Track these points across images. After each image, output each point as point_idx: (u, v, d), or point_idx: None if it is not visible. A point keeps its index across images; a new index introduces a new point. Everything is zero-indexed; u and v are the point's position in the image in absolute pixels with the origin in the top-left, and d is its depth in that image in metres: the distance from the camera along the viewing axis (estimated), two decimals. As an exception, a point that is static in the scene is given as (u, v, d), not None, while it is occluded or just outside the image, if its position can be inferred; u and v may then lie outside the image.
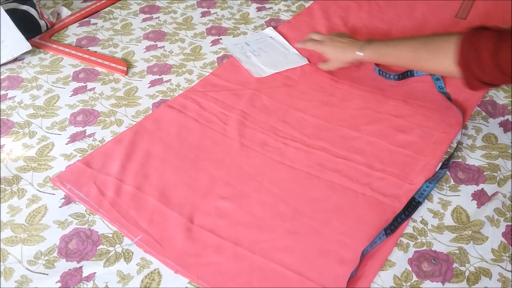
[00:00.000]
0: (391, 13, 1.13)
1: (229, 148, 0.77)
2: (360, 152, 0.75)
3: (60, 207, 0.68)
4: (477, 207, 0.66)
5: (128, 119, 0.84)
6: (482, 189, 0.69)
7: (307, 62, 0.95)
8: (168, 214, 0.67)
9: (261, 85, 0.91)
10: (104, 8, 1.21)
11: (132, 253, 0.62)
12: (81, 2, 1.25)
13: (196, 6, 1.21)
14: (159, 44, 1.06)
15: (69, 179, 0.72)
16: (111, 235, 0.64)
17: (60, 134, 0.82)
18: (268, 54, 0.99)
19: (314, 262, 0.60)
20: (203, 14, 1.18)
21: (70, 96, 0.90)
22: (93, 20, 1.16)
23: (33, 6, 1.08)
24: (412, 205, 0.65)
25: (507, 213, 0.65)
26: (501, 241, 0.62)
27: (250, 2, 1.22)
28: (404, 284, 0.57)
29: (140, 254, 0.62)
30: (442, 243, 0.62)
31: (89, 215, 0.67)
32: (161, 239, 0.63)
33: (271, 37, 1.05)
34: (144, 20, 1.16)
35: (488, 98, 0.86)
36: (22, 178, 0.73)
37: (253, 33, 1.08)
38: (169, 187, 0.71)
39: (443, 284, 0.57)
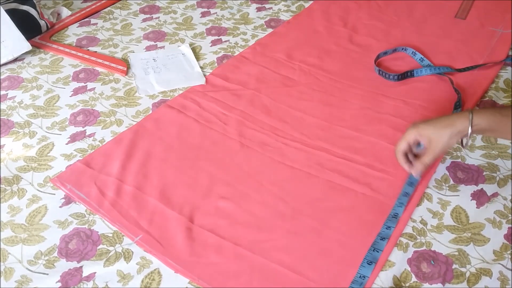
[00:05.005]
0: (391, 13, 1.13)
1: (229, 148, 0.77)
2: (360, 152, 0.75)
3: (60, 207, 0.69)
4: (476, 207, 0.66)
5: (128, 119, 0.85)
6: (482, 189, 0.69)
7: (204, 83, 0.92)
8: (168, 214, 0.67)
9: (261, 85, 0.91)
10: (104, 8, 1.21)
11: (132, 252, 0.62)
12: (81, 2, 1.25)
13: (196, 6, 1.21)
14: (159, 44, 1.06)
15: (69, 179, 0.72)
16: (111, 235, 0.65)
17: (60, 134, 0.82)
18: (169, 71, 0.96)
19: (314, 262, 0.60)
20: (203, 14, 1.18)
21: (70, 96, 0.91)
22: (93, 20, 1.16)
23: (33, 6, 1.08)
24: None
25: (509, 215, 0.65)
26: (503, 242, 0.61)
27: (250, 2, 1.22)
28: (403, 285, 0.57)
29: (140, 253, 0.62)
30: (442, 243, 0.62)
31: (89, 215, 0.67)
32: (161, 239, 0.63)
33: (183, 54, 1.01)
34: (144, 20, 1.16)
35: (487, 98, 0.86)
36: (22, 178, 0.73)
37: (170, 48, 1.05)
38: (169, 187, 0.71)
39: (443, 285, 0.57)
